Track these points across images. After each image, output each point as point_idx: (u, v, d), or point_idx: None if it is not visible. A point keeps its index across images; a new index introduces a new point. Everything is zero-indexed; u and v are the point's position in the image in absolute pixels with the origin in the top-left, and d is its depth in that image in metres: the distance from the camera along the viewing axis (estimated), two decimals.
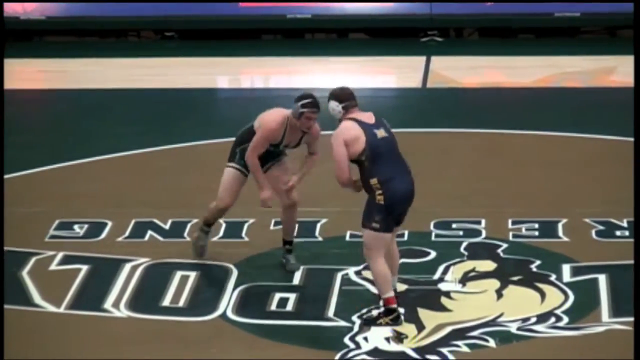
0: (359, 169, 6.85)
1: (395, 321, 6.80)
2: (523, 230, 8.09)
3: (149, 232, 8.13)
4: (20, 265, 7.64)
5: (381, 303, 6.86)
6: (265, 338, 6.75)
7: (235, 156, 7.41)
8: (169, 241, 7.99)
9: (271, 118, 7.26)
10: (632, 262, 7.14)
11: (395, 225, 6.93)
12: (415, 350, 6.59)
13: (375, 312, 6.88)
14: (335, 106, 6.86)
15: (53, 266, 7.65)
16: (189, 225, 8.15)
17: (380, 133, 6.86)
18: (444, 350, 6.59)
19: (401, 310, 6.96)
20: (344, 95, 6.88)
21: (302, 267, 7.52)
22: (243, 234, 8.09)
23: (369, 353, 6.57)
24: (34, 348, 6.70)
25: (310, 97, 7.19)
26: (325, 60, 12.75)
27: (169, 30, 13.70)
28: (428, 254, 7.72)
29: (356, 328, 6.80)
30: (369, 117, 6.91)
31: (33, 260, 7.71)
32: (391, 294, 6.85)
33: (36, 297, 7.25)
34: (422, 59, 12.66)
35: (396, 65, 12.73)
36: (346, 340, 6.70)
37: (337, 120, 6.90)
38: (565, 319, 6.89)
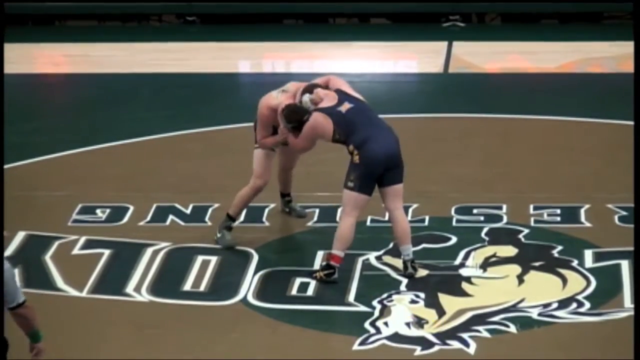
0: (342, 143, 7.22)
1: (329, 277, 7.10)
2: (545, 215, 8.06)
3: (170, 217, 8.15)
4: (43, 249, 7.68)
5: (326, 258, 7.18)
6: (285, 323, 6.76)
7: None
8: (190, 226, 8.01)
9: (263, 104, 7.48)
10: None
11: (383, 186, 7.15)
12: (436, 335, 6.59)
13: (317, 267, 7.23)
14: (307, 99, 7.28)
15: (76, 250, 7.69)
16: (210, 210, 8.17)
17: (345, 107, 7.20)
18: (465, 335, 6.58)
19: (421, 295, 6.98)
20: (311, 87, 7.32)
21: (323, 252, 7.53)
22: (264, 219, 8.10)
23: (389, 338, 6.58)
24: (57, 332, 6.74)
25: (297, 121, 7.30)
26: (347, 45, 12.72)
27: (191, 14, 13.71)
28: (449, 239, 7.71)
29: (377, 313, 6.81)
30: (332, 99, 7.25)
31: (56, 244, 7.75)
32: (340, 254, 7.13)
33: (59, 281, 7.29)
34: (444, 44, 12.62)
35: (418, 51, 12.69)
36: (366, 325, 6.70)
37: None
38: (587, 305, 6.87)
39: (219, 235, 7.63)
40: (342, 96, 7.26)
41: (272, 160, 7.60)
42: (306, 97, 7.29)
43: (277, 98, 7.44)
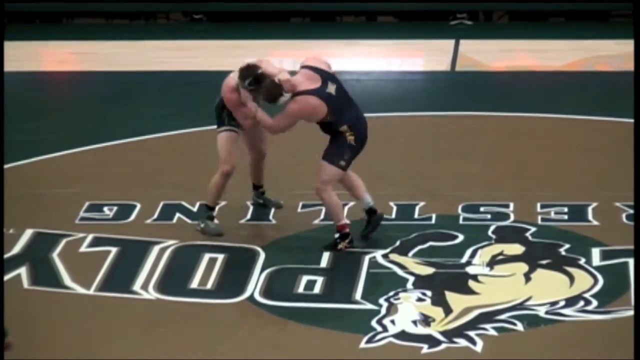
0: (323, 124, 7.30)
1: (351, 244, 7.36)
2: (552, 213, 8.05)
3: (177, 215, 8.16)
4: (50, 247, 7.69)
5: (336, 233, 7.42)
6: (292, 320, 6.77)
7: (224, 120, 7.66)
8: (196, 223, 8.01)
9: (225, 89, 7.57)
10: None
11: None
12: (443, 333, 6.59)
13: (333, 241, 7.38)
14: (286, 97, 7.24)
15: (83, 248, 7.70)
16: (217, 208, 8.17)
17: (332, 88, 7.28)
18: (472, 333, 6.58)
19: (428, 293, 6.98)
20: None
21: (329, 251, 7.53)
22: (270, 217, 8.11)
23: (395, 336, 6.58)
24: (64, 330, 6.75)
25: (253, 75, 7.37)
26: (354, 43, 12.72)
27: (198, 12, 13.72)
28: (456, 237, 7.71)
29: (383, 311, 6.81)
30: (315, 80, 7.24)
31: (63, 242, 7.77)
32: (344, 220, 7.37)
33: (66, 279, 7.30)
34: (450, 42, 12.61)
35: (425, 49, 12.68)
36: (373, 323, 6.70)
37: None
38: (595, 303, 6.87)
39: (202, 225, 7.66)
40: (324, 74, 7.28)
41: (236, 143, 7.65)
42: (285, 98, 7.20)
43: (235, 77, 7.52)
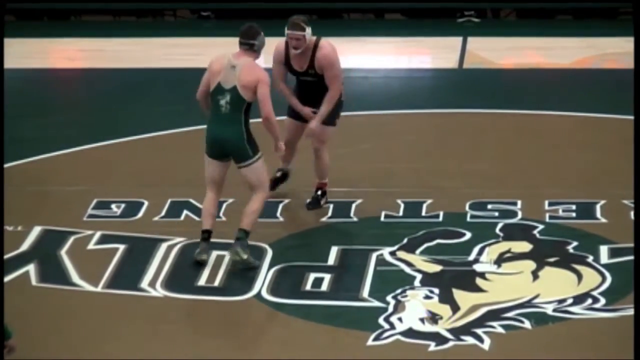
0: (318, 81, 7.83)
1: (326, 200, 8.06)
2: (560, 211, 8.04)
3: (185, 212, 8.17)
4: (59, 244, 7.71)
5: (319, 191, 8.07)
6: (299, 318, 6.77)
7: (256, 147, 7.35)
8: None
9: (261, 71, 7.28)
10: None
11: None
12: (450, 331, 6.58)
13: (315, 197, 8.05)
14: (310, 31, 7.82)
15: (91, 245, 7.71)
16: (224, 205, 8.17)
17: None
18: (479, 331, 6.58)
19: (436, 290, 6.98)
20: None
21: (337, 247, 7.54)
22: (278, 214, 8.11)
23: (403, 333, 6.58)
24: (71, 327, 6.77)
25: (253, 27, 7.35)
26: (362, 40, 12.72)
27: (205, 9, 13.73)
28: (463, 234, 7.71)
29: (391, 308, 6.81)
30: None
31: (71, 239, 7.78)
32: (327, 180, 8.08)
33: (74, 276, 7.31)
34: (458, 40, 12.60)
35: (432, 46, 12.68)
36: (380, 320, 6.70)
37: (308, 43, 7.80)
38: (602, 301, 6.86)
39: (244, 257, 7.22)
40: None
41: None
42: (310, 30, 7.67)
43: (246, 57, 7.25)
